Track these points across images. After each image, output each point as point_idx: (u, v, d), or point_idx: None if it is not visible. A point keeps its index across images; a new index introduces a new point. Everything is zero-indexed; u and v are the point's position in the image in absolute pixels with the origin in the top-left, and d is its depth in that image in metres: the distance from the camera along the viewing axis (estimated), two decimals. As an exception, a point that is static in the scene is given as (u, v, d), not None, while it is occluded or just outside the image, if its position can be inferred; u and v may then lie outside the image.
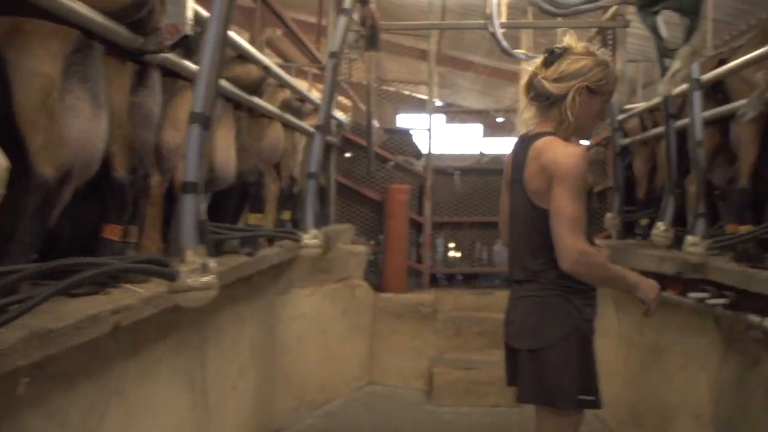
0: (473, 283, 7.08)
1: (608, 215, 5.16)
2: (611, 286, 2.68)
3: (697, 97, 3.18)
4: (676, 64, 2.27)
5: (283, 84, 3.85)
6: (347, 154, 6.73)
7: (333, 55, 3.52)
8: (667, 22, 3.08)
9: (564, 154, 2.39)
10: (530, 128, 2.59)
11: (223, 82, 3.00)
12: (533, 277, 2.55)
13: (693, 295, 3.60)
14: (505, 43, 4.80)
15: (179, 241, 1.92)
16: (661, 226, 3.77)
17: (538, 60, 2.55)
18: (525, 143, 2.54)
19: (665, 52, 2.25)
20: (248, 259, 3.49)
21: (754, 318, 3.04)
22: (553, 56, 2.49)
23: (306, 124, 4.43)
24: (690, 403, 4.00)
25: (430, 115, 6.83)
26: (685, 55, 2.18)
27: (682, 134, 4.22)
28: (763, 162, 3.37)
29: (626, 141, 5.21)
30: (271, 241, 4.00)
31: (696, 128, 3.15)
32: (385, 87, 11.74)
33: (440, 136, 10.90)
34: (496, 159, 7.30)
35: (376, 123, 6.86)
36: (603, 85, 2.48)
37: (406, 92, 18.11)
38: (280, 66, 4.26)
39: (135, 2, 2.00)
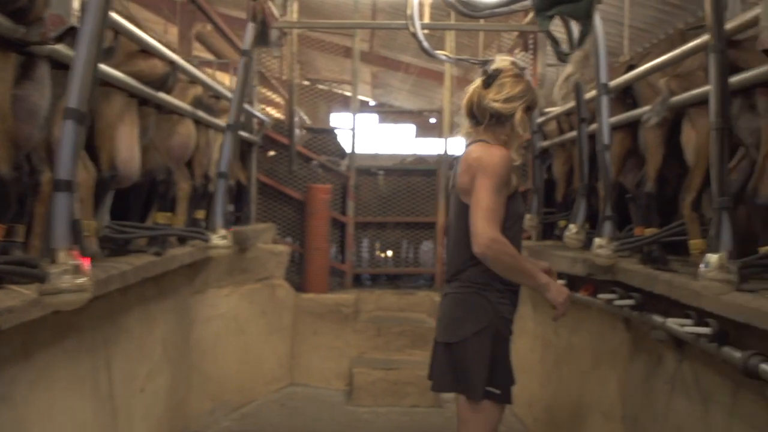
0: (398, 283, 7.09)
1: (527, 216, 5.22)
2: (521, 280, 2.69)
3: (604, 102, 3.23)
4: (568, 68, 2.30)
5: (194, 80, 3.75)
6: (270, 153, 6.63)
7: (244, 53, 3.43)
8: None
9: (489, 152, 2.61)
10: (470, 140, 2.79)
11: (126, 78, 2.90)
12: (457, 275, 2.74)
13: (602, 296, 3.66)
14: (425, 44, 4.79)
15: (50, 241, 1.82)
16: (572, 228, 3.82)
17: (478, 81, 2.76)
18: (464, 153, 2.77)
19: (561, 56, 2.27)
20: (155, 259, 3.39)
21: (658, 319, 3.09)
22: (490, 78, 2.70)
23: (221, 122, 4.33)
24: (600, 401, 4.07)
25: (354, 114, 6.78)
26: (577, 60, 2.22)
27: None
28: (669, 166, 3.46)
29: (545, 144, 5.28)
30: (183, 240, 3.90)
31: (603, 132, 3.20)
32: (319, 85, 11.65)
33: (368, 135, 10.88)
34: (421, 159, 7.30)
35: (306, 120, 6.80)
36: (534, 102, 2.77)
37: (339, 91, 18.04)
38: (203, 62, 4.15)
39: (14, -10, 1.89)
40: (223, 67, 9.37)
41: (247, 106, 5.50)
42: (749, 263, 2.25)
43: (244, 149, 5.96)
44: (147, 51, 3.06)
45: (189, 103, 3.71)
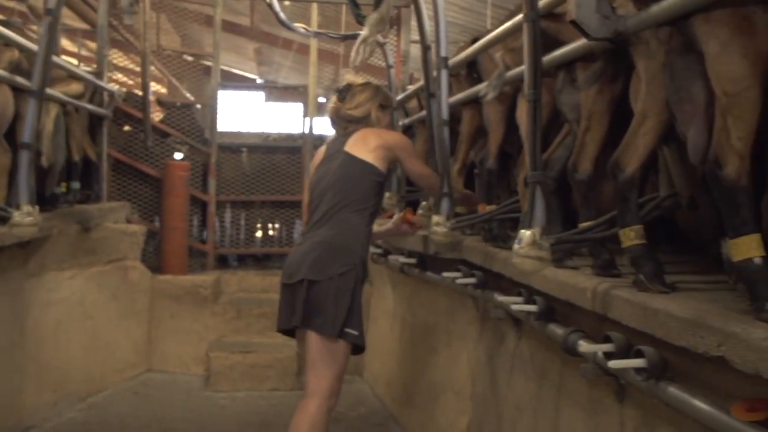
0: (266, 263, 6.88)
1: (387, 194, 5.12)
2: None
3: (444, 76, 3.15)
4: (365, 32, 2.20)
5: (9, 43, 3.41)
6: (126, 128, 6.25)
7: (49, 12, 3.14)
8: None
9: (397, 134, 3.67)
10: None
11: None
12: (324, 221, 3.14)
13: (446, 274, 3.61)
14: (282, 15, 4.62)
15: None
16: (425, 206, 3.76)
17: (334, 97, 3.45)
18: (341, 138, 3.37)
19: (359, 19, 2.16)
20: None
21: (497, 297, 3.05)
22: (344, 93, 3.40)
23: (55, 91, 4.00)
24: (452, 380, 4.05)
25: (216, 89, 6.50)
26: (372, 23, 2.12)
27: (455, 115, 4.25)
28: (511, 142, 3.42)
29: (407, 121, 5.19)
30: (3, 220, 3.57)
31: (442, 107, 3.12)
32: (204, 61, 11.17)
33: (243, 113, 10.54)
34: (287, 137, 7.08)
35: (190, 96, 6.45)
36: (388, 99, 3.54)
37: (225, 67, 17.49)
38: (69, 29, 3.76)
39: None
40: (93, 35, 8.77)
41: (91, 77, 5.15)
42: (563, 239, 2.21)
43: (93, 123, 5.58)
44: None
45: (3, 68, 3.38)
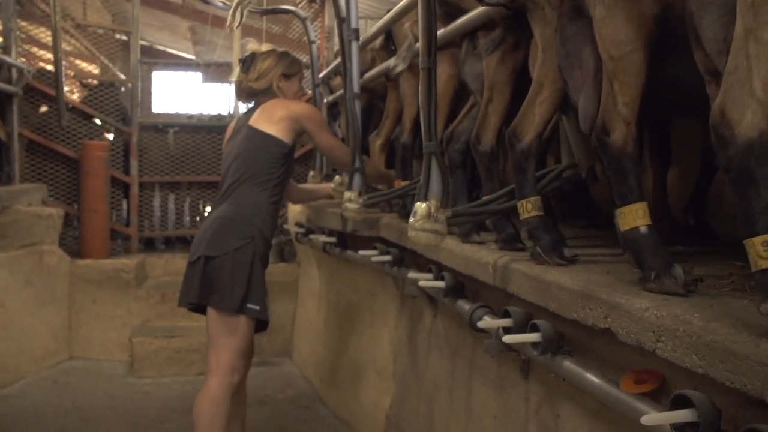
0: (195, 245, 6.70)
1: (310, 173, 5.02)
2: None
3: (354, 48, 3.05)
4: None
5: None
6: (43, 109, 5.97)
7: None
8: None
9: (305, 105, 3.31)
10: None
11: None
12: (226, 197, 3.08)
13: (363, 252, 3.54)
14: (198, -12, 4.42)
15: None
16: (338, 180, 3.67)
17: (237, 69, 3.35)
18: (248, 112, 3.28)
19: None
20: None
21: (412, 274, 2.99)
22: (246, 63, 3.28)
23: None
24: (375, 359, 4.00)
25: (138, 65, 6.27)
26: None
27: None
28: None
29: (332, 97, 5.09)
30: None
31: (353, 80, 3.02)
32: (141, 42, 10.81)
33: (171, 93, 10.27)
34: (214, 116, 6.90)
35: (121, 75, 6.20)
36: (292, 67, 3.33)
37: (161, 48, 17.00)
38: None
39: None
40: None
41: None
42: (461, 212, 2.15)
43: (2, 101, 5.31)
44: None
45: None
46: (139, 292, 5.66)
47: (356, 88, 3.04)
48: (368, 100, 4.21)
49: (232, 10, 2.16)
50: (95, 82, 6.39)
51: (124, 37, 8.11)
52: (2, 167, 5.31)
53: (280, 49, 3.36)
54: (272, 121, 3.11)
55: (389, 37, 3.53)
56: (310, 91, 5.21)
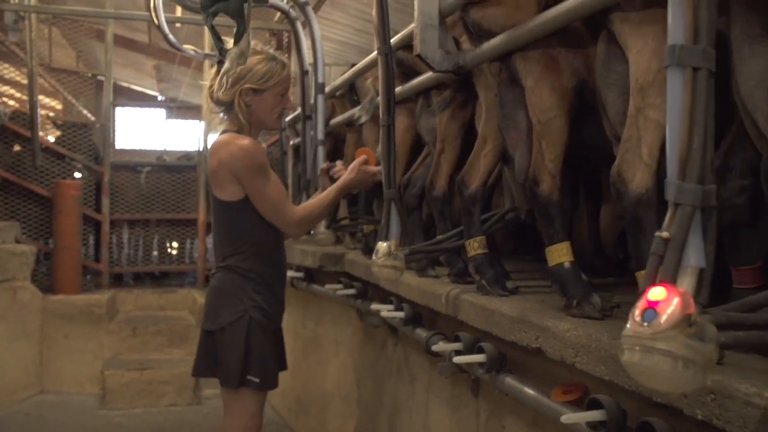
0: (163, 281, 6.92)
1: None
2: (331, 207, 3.03)
3: (320, 100, 3.36)
4: (226, 65, 2.39)
5: None
6: (16, 148, 6.18)
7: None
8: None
9: (239, 149, 2.57)
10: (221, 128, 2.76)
11: None
12: (220, 265, 2.78)
13: (329, 286, 3.82)
14: (171, 37, 4.69)
15: None
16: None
17: (212, 70, 2.77)
18: (212, 145, 2.75)
19: (221, 52, 2.35)
20: None
21: (374, 306, 3.26)
22: (221, 66, 2.63)
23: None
24: (341, 387, 4.24)
25: (111, 107, 6.53)
26: (233, 57, 2.29)
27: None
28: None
29: (297, 140, 5.39)
30: None
31: (319, 128, 3.33)
32: (100, 77, 11.00)
33: (133, 130, 10.47)
34: (183, 155, 7.17)
35: (89, 115, 6.38)
36: (268, 79, 2.61)
37: (125, 84, 17.16)
38: None
39: None
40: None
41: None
42: (417, 250, 2.45)
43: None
44: None
45: None
46: (110, 327, 5.85)
47: (321, 136, 3.35)
48: (333, 144, 4.52)
49: (219, 79, 2.34)
50: (69, 123, 6.62)
51: (89, 74, 8.35)
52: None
53: (265, 55, 2.63)
54: (217, 179, 2.64)
55: (352, 89, 3.85)
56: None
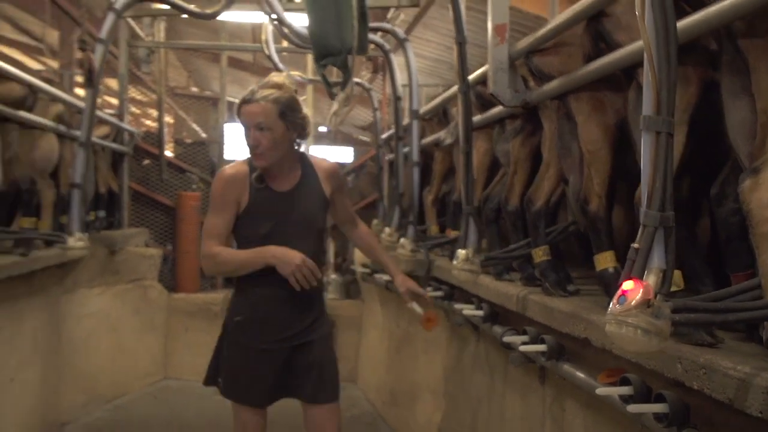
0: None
1: (374, 221, 5.82)
2: (246, 269, 2.67)
3: (415, 126, 3.83)
4: (334, 106, 2.87)
5: (55, 99, 4.15)
6: (145, 162, 7.01)
7: (90, 84, 3.88)
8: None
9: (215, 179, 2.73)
10: None
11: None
12: None
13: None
14: (280, 65, 5.31)
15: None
16: (387, 230, 4.41)
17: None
18: None
19: (331, 95, 2.83)
20: (21, 259, 3.75)
21: (458, 305, 3.71)
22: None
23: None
24: (429, 381, 4.70)
25: (222, 125, 7.25)
26: (340, 100, 2.77)
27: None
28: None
29: (390, 156, 5.90)
30: (49, 243, 4.26)
31: (414, 151, 3.79)
32: (210, 94, 11.90)
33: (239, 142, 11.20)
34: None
35: (200, 131, 7.10)
36: (291, 107, 2.62)
37: (232, 100, 18.22)
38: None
39: None
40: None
41: (116, 120, 5.89)
42: (491, 257, 2.88)
43: (116, 159, 6.33)
44: (4, 76, 3.46)
45: (51, 119, 4.10)
46: (224, 323, 6.51)
47: (416, 157, 3.82)
48: (423, 160, 4.99)
49: (328, 118, 2.83)
50: (189, 140, 7.40)
51: (195, 89, 9.16)
52: (114, 214, 6.28)
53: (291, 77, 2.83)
54: None
55: (444, 112, 4.32)
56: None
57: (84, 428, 5.12)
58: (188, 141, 7.44)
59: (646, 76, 1.37)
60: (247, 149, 2.63)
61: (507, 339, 2.85)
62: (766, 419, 1.41)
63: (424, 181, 4.99)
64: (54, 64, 7.82)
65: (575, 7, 2.29)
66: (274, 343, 2.76)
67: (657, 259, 1.34)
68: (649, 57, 1.33)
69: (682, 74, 1.80)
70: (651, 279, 1.34)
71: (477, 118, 3.17)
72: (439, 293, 4.06)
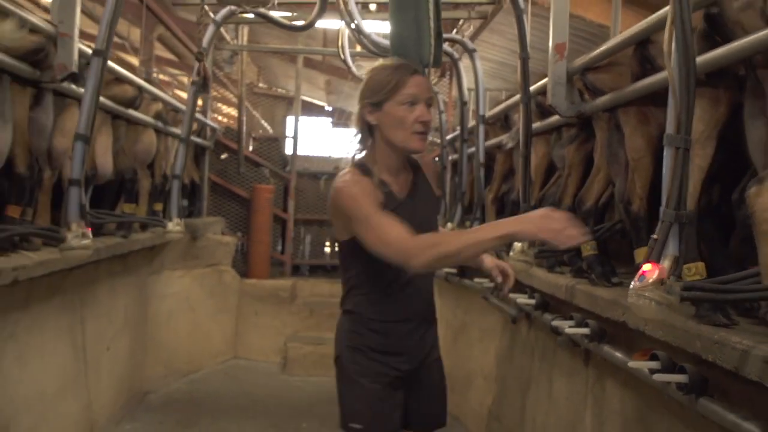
0: (333, 273, 8.02)
1: (449, 225, 6.18)
2: (476, 252, 2.14)
3: (481, 129, 4.19)
4: None
5: (156, 98, 4.64)
6: (223, 156, 7.54)
7: (194, 83, 4.35)
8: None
9: (336, 189, 2.18)
10: None
11: (105, 100, 3.77)
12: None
13: (477, 280, 4.64)
14: (354, 69, 5.72)
15: (67, 217, 2.73)
16: (449, 225, 4.77)
17: None
18: None
19: None
20: (122, 240, 4.24)
21: (512, 294, 4.05)
22: None
23: (178, 131, 5.20)
24: (483, 367, 5.04)
25: (296, 120, 7.73)
26: None
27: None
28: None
29: (455, 156, 6.25)
30: (144, 227, 4.76)
31: (479, 153, 4.15)
32: (280, 90, 12.43)
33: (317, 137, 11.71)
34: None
35: (268, 127, 7.58)
36: (380, 90, 2.19)
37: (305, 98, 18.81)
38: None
39: (35, 48, 2.79)
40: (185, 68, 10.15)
41: (200, 116, 6.40)
42: (543, 250, 3.23)
43: (198, 152, 6.85)
44: (120, 79, 3.95)
45: (152, 116, 4.59)
46: (291, 308, 7.01)
47: (482, 159, 4.17)
48: (486, 161, 5.35)
49: None
50: (265, 137, 7.92)
51: (262, 84, 9.65)
52: (195, 203, 6.81)
53: (387, 63, 2.28)
54: (336, 224, 2.32)
55: (506, 118, 4.66)
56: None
57: (165, 397, 5.63)
58: (264, 136, 7.96)
59: (670, 103, 1.71)
60: (399, 130, 2.19)
61: (555, 323, 3.19)
62: (762, 383, 1.74)
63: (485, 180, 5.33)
64: (135, 60, 8.42)
65: (626, 33, 2.63)
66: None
67: (672, 248, 1.69)
68: (673, 89, 1.67)
69: (713, 95, 2.14)
70: (666, 263, 1.69)
71: (536, 124, 3.51)
72: (491, 285, 4.41)
